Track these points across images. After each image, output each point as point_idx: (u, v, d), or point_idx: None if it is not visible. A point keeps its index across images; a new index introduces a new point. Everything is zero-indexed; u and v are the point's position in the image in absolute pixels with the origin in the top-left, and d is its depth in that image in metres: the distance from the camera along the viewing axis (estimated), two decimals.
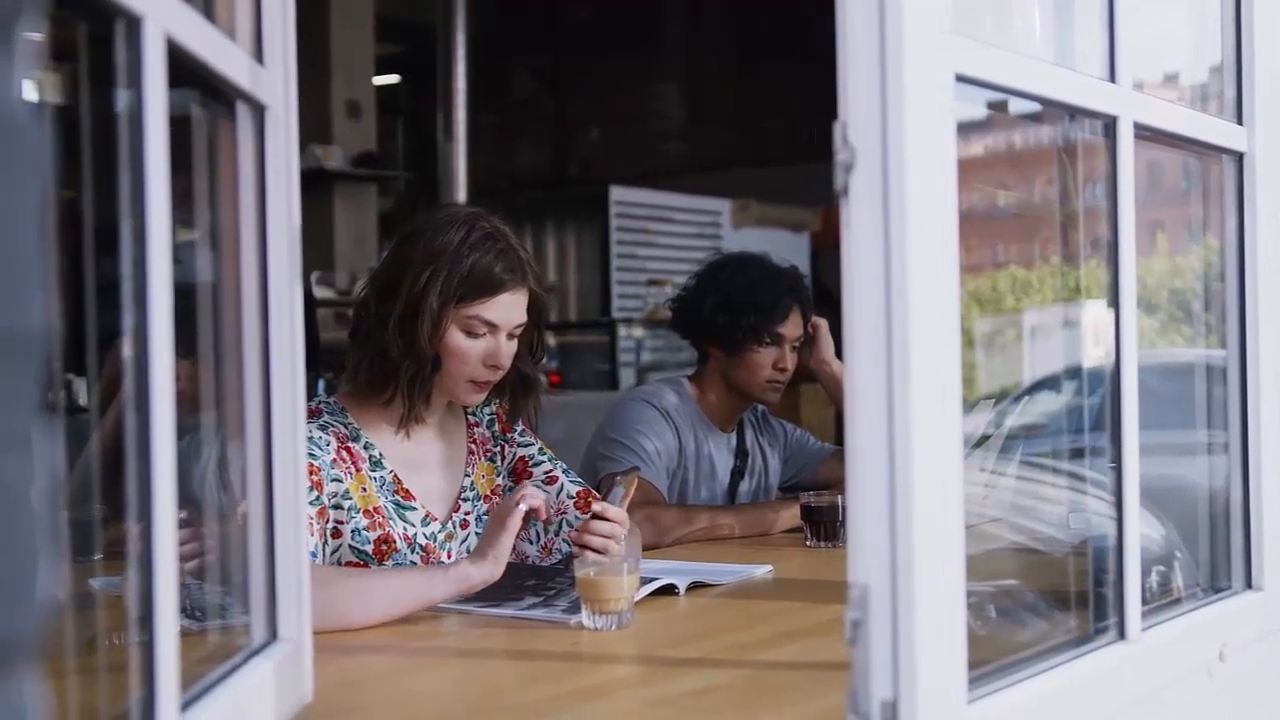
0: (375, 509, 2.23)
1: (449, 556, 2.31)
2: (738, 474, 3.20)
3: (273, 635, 1.41)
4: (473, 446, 2.42)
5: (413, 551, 2.26)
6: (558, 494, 2.40)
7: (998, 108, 1.53)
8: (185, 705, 1.11)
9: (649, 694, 1.62)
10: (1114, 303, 1.56)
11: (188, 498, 1.13)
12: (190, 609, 1.34)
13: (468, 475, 2.40)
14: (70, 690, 1.19)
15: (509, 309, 2.25)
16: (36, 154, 0.59)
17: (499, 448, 2.46)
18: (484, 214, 2.31)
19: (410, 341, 2.20)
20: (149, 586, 1.03)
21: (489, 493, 2.41)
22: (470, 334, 2.23)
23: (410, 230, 2.29)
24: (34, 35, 0.61)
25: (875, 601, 1.19)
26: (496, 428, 2.46)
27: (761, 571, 2.41)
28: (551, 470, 2.45)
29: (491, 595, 2.07)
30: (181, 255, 1.15)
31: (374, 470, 2.27)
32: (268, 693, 1.34)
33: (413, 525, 2.27)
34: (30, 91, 0.61)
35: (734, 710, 1.54)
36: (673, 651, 1.84)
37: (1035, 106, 1.60)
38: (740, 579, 2.35)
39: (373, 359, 2.24)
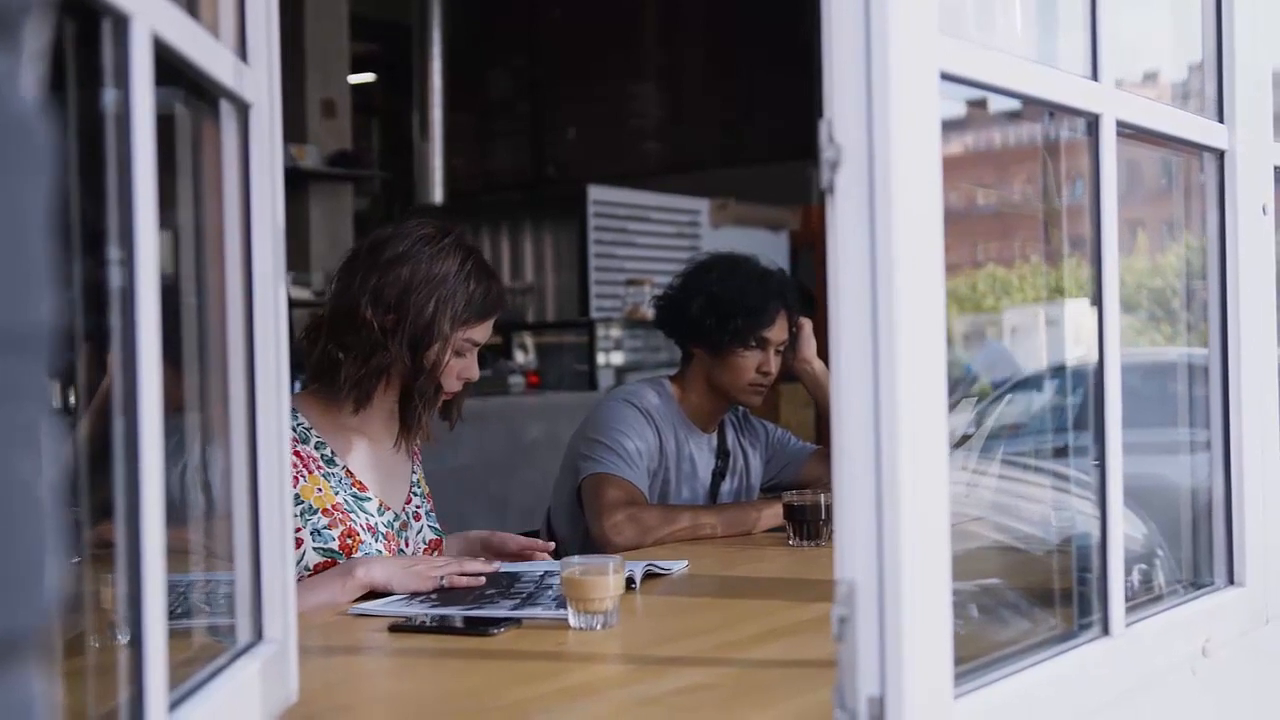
0: (334, 506, 2.32)
1: (406, 545, 2.43)
2: (719, 474, 3.20)
3: (258, 636, 1.40)
4: (415, 449, 2.55)
5: (376, 540, 2.35)
6: (418, 533, 2.50)
7: (977, 105, 1.53)
8: (173, 705, 1.11)
9: (636, 692, 1.62)
10: (1097, 300, 1.57)
11: (169, 499, 1.12)
12: (174, 609, 1.34)
13: (415, 473, 2.53)
14: (56, 691, 1.18)
15: (490, 330, 2.44)
16: (43, 153, 0.60)
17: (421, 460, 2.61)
18: (464, 235, 2.44)
19: (419, 363, 2.33)
20: (137, 588, 1.03)
21: (427, 492, 2.57)
22: (457, 354, 2.38)
23: (401, 251, 2.34)
24: (41, 32, 0.61)
25: (862, 598, 1.20)
26: (418, 444, 2.59)
27: (679, 567, 2.42)
28: (423, 506, 2.55)
29: (467, 601, 2.07)
30: (163, 255, 1.14)
31: (329, 467, 2.35)
32: (254, 693, 1.33)
33: (371, 515, 2.37)
34: (36, 90, 0.61)
35: (721, 707, 1.54)
36: (658, 650, 1.84)
37: (1015, 104, 1.61)
38: (673, 572, 2.38)
39: (374, 374, 2.33)
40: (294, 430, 2.31)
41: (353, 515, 2.33)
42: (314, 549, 2.27)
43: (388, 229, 2.41)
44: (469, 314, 2.36)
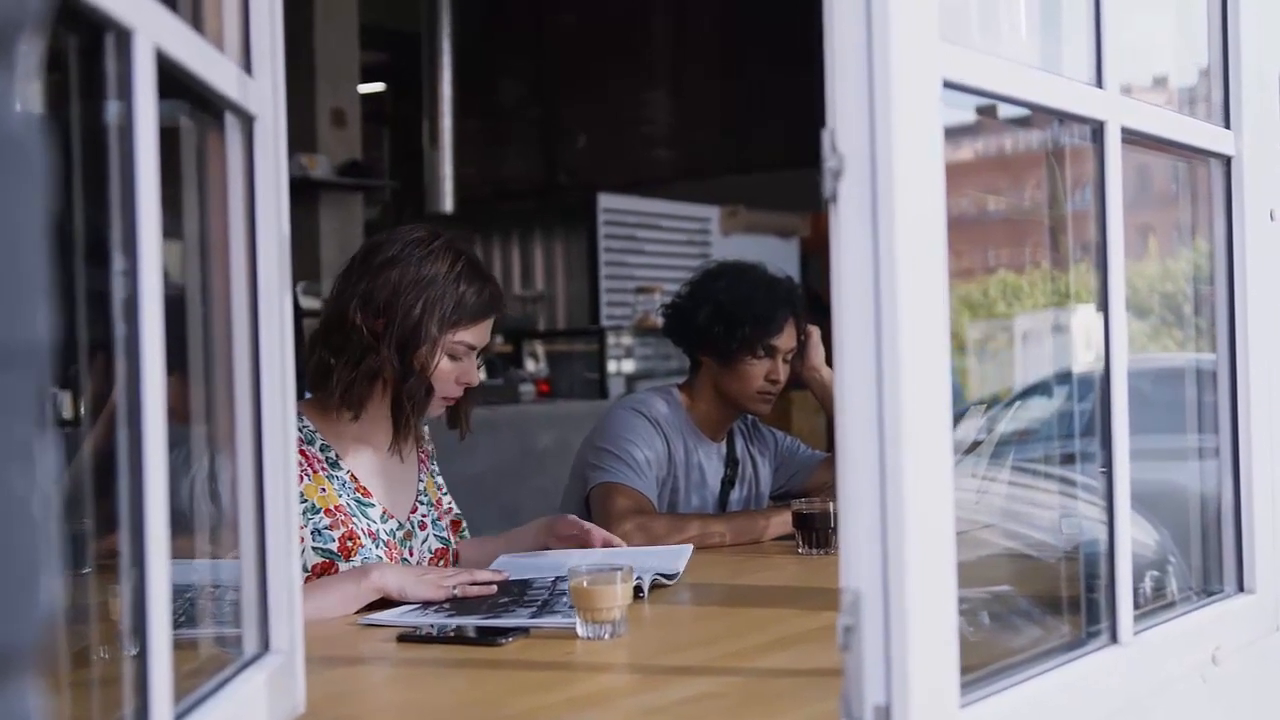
0: (336, 507, 2.33)
1: (410, 554, 2.44)
2: (728, 483, 3.19)
3: (265, 647, 1.41)
4: (422, 457, 2.56)
5: (376, 546, 2.35)
6: (423, 542, 2.50)
7: (986, 112, 1.53)
8: (179, 717, 1.11)
9: (644, 702, 1.61)
10: (1103, 306, 1.57)
11: (178, 511, 1.12)
12: (179, 617, 1.34)
13: (421, 481, 2.53)
14: (64, 702, 1.18)
15: (487, 333, 2.42)
16: (39, 168, 0.60)
17: (435, 465, 2.61)
18: (457, 239, 2.43)
19: (409, 366, 2.33)
20: (142, 600, 1.03)
21: (436, 500, 2.55)
22: (452, 357, 2.38)
23: (391, 255, 2.36)
24: (35, 49, 0.62)
25: (868, 607, 1.20)
26: (431, 448, 2.61)
27: (685, 554, 2.48)
28: (444, 504, 2.59)
29: (480, 610, 2.07)
30: (169, 267, 1.15)
31: (333, 470, 2.36)
32: (260, 704, 1.33)
33: (374, 521, 2.37)
34: (32, 105, 0.61)
35: (729, 716, 1.54)
36: (666, 660, 1.84)
37: (1023, 111, 1.60)
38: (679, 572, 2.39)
39: (365, 378, 2.33)
40: (300, 432, 2.32)
41: (354, 519, 2.33)
42: (313, 548, 2.27)
43: (382, 235, 2.42)
44: (459, 315, 2.35)
